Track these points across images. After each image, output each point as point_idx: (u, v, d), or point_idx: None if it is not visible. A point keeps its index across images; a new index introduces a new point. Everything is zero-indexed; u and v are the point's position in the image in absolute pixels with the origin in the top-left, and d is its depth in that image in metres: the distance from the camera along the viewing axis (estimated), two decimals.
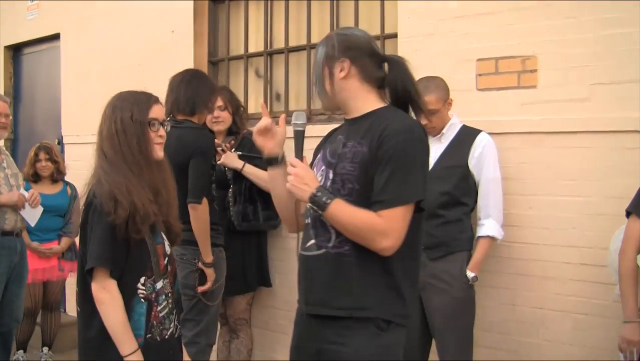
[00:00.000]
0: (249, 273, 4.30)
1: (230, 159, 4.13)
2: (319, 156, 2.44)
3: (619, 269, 2.86)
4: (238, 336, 4.33)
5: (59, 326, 5.49)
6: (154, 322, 2.42)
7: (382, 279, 2.23)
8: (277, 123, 2.41)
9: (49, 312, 5.40)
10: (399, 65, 2.36)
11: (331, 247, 2.26)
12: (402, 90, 2.34)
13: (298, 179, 2.25)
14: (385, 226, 2.15)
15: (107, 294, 2.31)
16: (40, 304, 5.31)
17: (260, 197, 4.24)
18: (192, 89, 3.85)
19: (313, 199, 2.20)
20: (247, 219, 4.23)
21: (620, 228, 2.98)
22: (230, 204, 4.19)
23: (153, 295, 2.42)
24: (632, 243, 2.83)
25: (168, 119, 3.72)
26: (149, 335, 2.39)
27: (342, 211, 2.18)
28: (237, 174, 4.17)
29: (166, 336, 2.46)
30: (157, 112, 2.51)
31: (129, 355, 2.30)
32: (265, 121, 2.39)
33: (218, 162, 4.04)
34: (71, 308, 6.27)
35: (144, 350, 2.36)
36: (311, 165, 2.46)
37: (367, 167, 2.21)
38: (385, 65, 2.39)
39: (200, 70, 4.63)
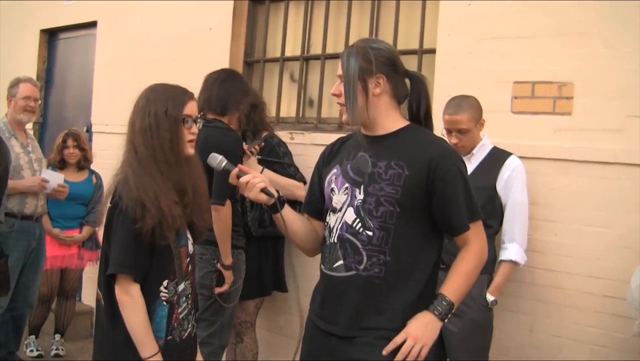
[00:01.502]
0: (265, 277, 4.36)
1: (249, 163, 4.11)
2: (334, 170, 2.46)
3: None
4: (242, 340, 4.35)
5: (74, 314, 5.60)
6: (175, 324, 2.48)
7: (410, 299, 2.31)
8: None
9: (64, 299, 5.49)
10: (422, 83, 2.44)
11: (362, 269, 2.31)
12: (420, 108, 2.42)
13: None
14: (479, 245, 2.37)
15: (129, 298, 2.36)
16: (57, 291, 5.40)
17: None
18: (226, 89, 3.90)
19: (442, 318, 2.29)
20: (264, 225, 4.29)
21: None
22: (247, 209, 4.23)
23: (175, 298, 2.47)
24: None
25: (200, 116, 3.84)
26: (169, 337, 2.46)
27: (461, 286, 2.33)
28: None
29: (184, 337, 2.53)
30: (191, 108, 2.52)
31: (150, 357, 2.35)
32: (245, 178, 2.38)
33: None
34: (87, 297, 6.39)
35: (164, 351, 2.42)
36: (320, 177, 2.53)
37: (412, 191, 2.28)
38: (407, 81, 2.45)
39: (236, 71, 4.68)
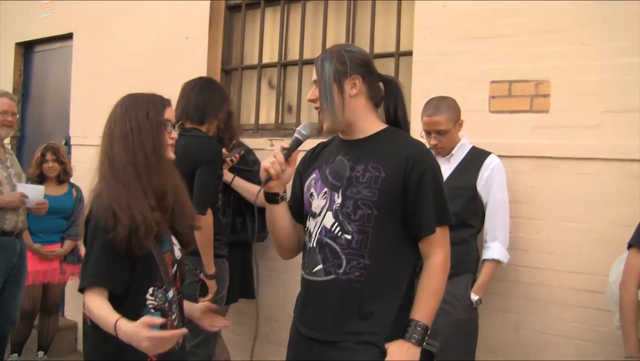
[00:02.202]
0: (231, 285, 4.27)
1: None
2: (314, 175, 2.49)
3: (620, 303, 2.93)
4: None
5: (57, 330, 5.59)
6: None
7: (392, 303, 2.35)
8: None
9: (47, 315, 5.47)
10: (396, 85, 2.49)
11: (342, 273, 2.34)
12: (396, 112, 2.47)
13: None
14: (442, 258, 2.38)
15: (88, 297, 2.30)
16: (39, 306, 5.38)
17: (248, 209, 4.32)
18: (203, 98, 3.90)
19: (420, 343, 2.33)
20: (236, 232, 4.31)
21: (619, 257, 3.08)
22: (220, 215, 4.20)
23: (166, 305, 2.46)
24: (632, 276, 2.89)
25: (177, 125, 3.78)
26: None
27: (430, 306, 2.35)
28: (226, 186, 4.21)
29: (179, 344, 2.51)
30: (170, 113, 2.55)
31: (116, 322, 2.18)
32: (289, 172, 2.43)
33: None
34: (70, 311, 6.37)
35: (162, 359, 2.38)
36: (301, 182, 2.55)
37: (389, 193, 2.31)
38: (381, 85, 2.49)
39: (214, 79, 4.69)
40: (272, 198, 2.47)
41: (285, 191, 2.51)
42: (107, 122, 2.51)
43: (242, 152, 4.34)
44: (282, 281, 4.66)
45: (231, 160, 4.22)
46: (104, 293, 2.32)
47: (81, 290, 2.34)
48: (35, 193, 4.77)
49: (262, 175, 2.40)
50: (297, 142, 2.43)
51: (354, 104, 2.40)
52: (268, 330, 4.77)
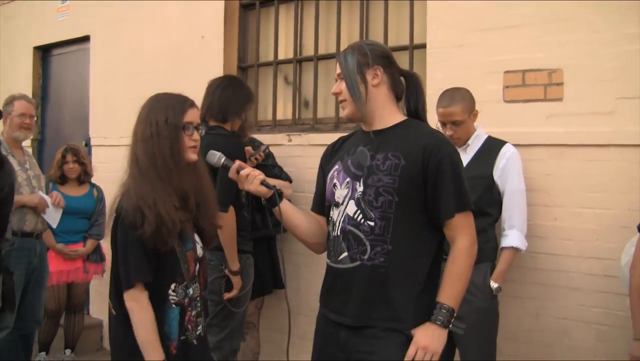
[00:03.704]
0: (262, 276, 4.41)
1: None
2: (336, 167, 2.57)
3: (630, 286, 2.99)
4: (244, 339, 4.41)
5: (82, 328, 5.69)
6: (189, 326, 2.57)
7: (415, 289, 2.42)
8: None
9: (72, 314, 5.58)
10: (417, 80, 2.58)
11: (367, 259, 2.41)
12: (417, 105, 2.55)
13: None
14: (467, 242, 2.44)
15: (137, 304, 2.44)
16: (64, 306, 5.49)
17: None
18: (227, 96, 3.96)
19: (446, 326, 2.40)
20: (257, 228, 4.38)
21: (631, 240, 3.12)
22: None
23: (186, 300, 2.57)
24: None
25: (202, 123, 3.90)
26: (183, 337, 2.55)
27: (456, 290, 2.42)
28: None
29: (199, 337, 2.63)
30: (192, 115, 2.61)
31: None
32: (245, 171, 2.54)
33: None
34: (95, 310, 6.49)
35: (180, 350, 2.52)
36: (324, 175, 2.64)
37: (409, 180, 2.38)
38: (402, 79, 2.57)
39: (237, 77, 4.74)
40: (271, 200, 2.55)
41: (275, 186, 2.58)
42: (136, 122, 2.61)
43: (267, 150, 4.41)
44: (303, 274, 4.72)
45: (256, 158, 4.28)
46: (145, 292, 2.46)
47: (126, 287, 2.46)
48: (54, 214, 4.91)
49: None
50: (224, 167, 2.62)
51: (376, 93, 2.50)
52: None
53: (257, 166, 4.35)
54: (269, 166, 4.49)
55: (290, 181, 4.60)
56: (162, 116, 2.54)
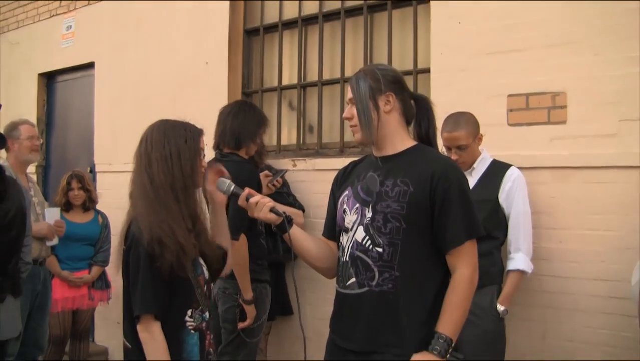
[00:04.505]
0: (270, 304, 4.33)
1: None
2: (346, 192, 2.59)
3: (639, 303, 3.01)
4: None
5: (88, 356, 5.64)
6: (210, 350, 2.59)
7: (423, 315, 2.41)
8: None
9: (77, 341, 5.54)
10: (427, 104, 2.60)
11: (374, 285, 2.42)
12: (427, 129, 2.57)
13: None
14: (469, 271, 2.41)
15: (149, 335, 2.42)
16: (69, 333, 5.45)
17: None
18: (238, 123, 3.89)
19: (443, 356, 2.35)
20: (268, 253, 4.29)
21: None
22: None
23: (204, 325, 2.57)
24: None
25: (216, 151, 3.85)
26: None
27: (455, 319, 2.38)
28: None
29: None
30: (203, 142, 2.62)
31: None
32: (255, 198, 2.55)
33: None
34: (100, 337, 6.47)
35: None
36: (335, 200, 2.66)
37: (417, 207, 2.39)
38: (412, 102, 2.59)
39: (250, 102, 4.73)
40: (281, 226, 2.56)
41: (284, 212, 2.58)
42: (141, 145, 2.58)
43: (284, 175, 4.41)
44: (309, 300, 4.72)
45: (274, 184, 4.29)
46: (158, 322, 2.44)
47: (136, 317, 2.44)
48: (50, 214, 4.89)
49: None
50: (233, 195, 2.64)
51: (387, 119, 2.51)
52: (297, 348, 4.85)
53: (273, 193, 4.37)
54: (284, 193, 4.52)
55: (304, 210, 4.60)
56: (180, 137, 2.54)
